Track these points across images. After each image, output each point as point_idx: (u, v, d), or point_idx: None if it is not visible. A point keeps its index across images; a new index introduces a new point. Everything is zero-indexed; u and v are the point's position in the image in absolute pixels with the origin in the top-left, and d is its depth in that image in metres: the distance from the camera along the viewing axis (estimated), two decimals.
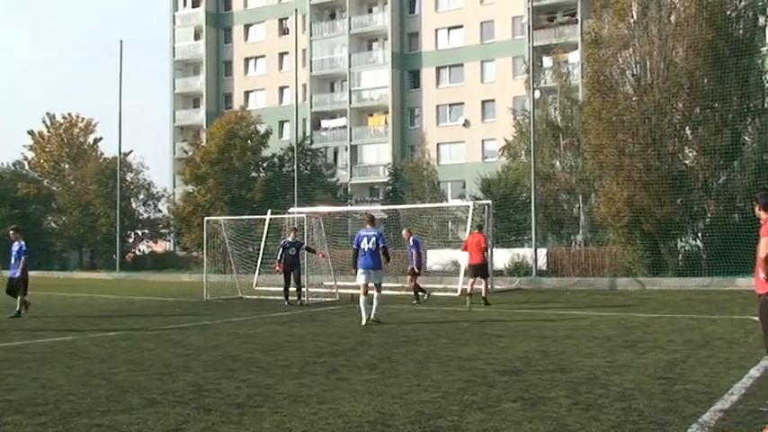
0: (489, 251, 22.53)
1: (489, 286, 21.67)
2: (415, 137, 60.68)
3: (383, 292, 16.47)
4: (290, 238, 22.27)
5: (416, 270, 22.33)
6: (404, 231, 24.92)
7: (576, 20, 55.72)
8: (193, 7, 73.69)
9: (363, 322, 15.38)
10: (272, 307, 20.92)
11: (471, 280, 20.46)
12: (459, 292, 24.54)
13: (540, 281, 28.58)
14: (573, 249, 34.21)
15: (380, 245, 15.82)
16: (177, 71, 74.36)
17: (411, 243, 23.08)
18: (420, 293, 21.75)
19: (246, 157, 50.81)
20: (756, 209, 7.63)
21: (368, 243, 15.80)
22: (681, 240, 29.52)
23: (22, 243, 17.99)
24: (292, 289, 21.59)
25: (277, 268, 22.14)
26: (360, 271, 15.88)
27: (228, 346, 12.55)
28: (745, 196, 27.63)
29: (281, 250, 21.94)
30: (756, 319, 14.83)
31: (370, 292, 15.77)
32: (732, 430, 6.27)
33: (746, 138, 28.80)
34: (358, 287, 16.22)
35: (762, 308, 7.28)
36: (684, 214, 28.16)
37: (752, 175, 27.47)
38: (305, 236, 24.48)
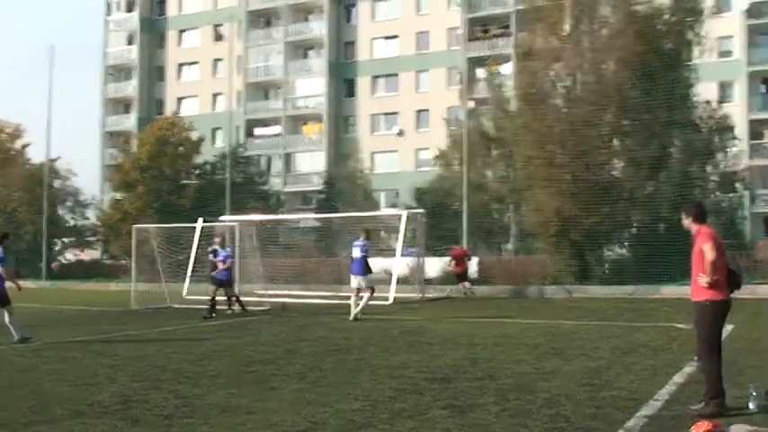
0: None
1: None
2: (350, 145, 60.77)
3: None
4: (217, 247, 22.03)
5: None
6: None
7: (510, 32, 56.42)
8: (127, 12, 72.57)
9: (351, 318, 18.33)
10: (202, 316, 20.65)
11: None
12: (390, 301, 24.63)
13: (471, 289, 28.79)
14: (503, 258, 34.57)
15: (361, 254, 18.99)
16: (109, 76, 73.08)
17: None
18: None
19: (178, 164, 50.13)
20: (685, 220, 7.87)
21: (355, 252, 19.16)
22: (607, 249, 30.09)
23: None
24: (223, 298, 21.34)
25: (221, 266, 21.66)
26: (351, 276, 19.15)
27: (156, 356, 12.36)
28: (670, 207, 28.31)
29: (211, 255, 21.75)
30: (680, 326, 15.26)
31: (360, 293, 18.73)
32: None
33: (672, 149, 29.51)
34: None
35: (699, 313, 7.58)
36: (611, 224, 28.69)
37: (677, 187, 28.16)
38: (236, 244, 24.30)
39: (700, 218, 7.85)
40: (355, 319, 18.31)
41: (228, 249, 21.62)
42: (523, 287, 28.48)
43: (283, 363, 11.26)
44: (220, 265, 20.72)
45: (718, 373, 7.43)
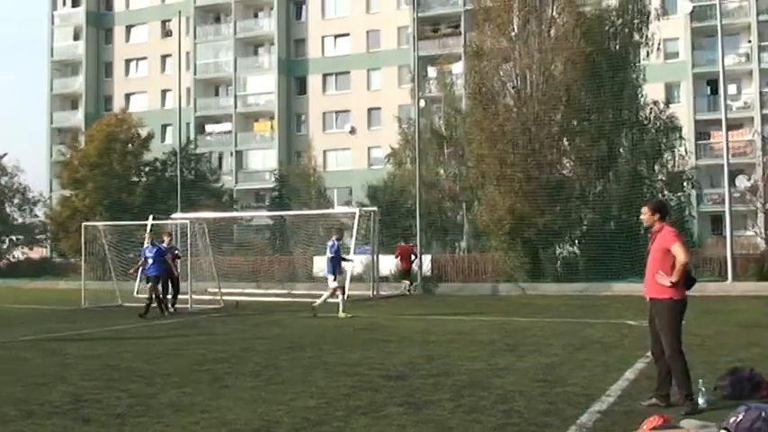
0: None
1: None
2: (302, 143, 60.52)
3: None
4: (164, 244, 21.81)
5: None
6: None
7: (460, 32, 56.70)
8: (73, 6, 71.34)
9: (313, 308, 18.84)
10: (154, 315, 20.44)
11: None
12: (345, 297, 24.58)
13: (425, 287, 28.92)
14: (457, 256, 34.76)
15: (330, 254, 19.18)
16: (55, 71, 71.82)
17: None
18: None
19: (127, 160, 49.45)
20: (646, 215, 7.83)
21: (327, 252, 19.45)
22: (559, 247, 30.42)
23: None
24: (181, 296, 21.21)
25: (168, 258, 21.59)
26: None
27: (108, 355, 12.21)
28: (620, 206, 28.74)
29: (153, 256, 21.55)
30: (632, 323, 15.50)
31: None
32: (609, 431, 6.50)
33: (621, 149, 29.93)
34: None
35: (662, 311, 7.65)
36: (563, 222, 29.02)
37: (626, 185, 28.60)
38: (188, 242, 24.07)
39: (663, 215, 7.87)
40: (314, 313, 18.66)
41: (153, 247, 20.84)
42: (477, 284, 28.67)
43: (237, 361, 11.20)
44: (149, 263, 20.38)
45: (687, 370, 7.57)
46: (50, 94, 71.50)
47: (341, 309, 18.67)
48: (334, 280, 19.13)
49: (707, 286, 25.37)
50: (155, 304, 19.99)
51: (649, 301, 7.83)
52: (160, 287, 20.55)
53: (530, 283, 28.11)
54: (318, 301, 19.21)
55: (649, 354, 10.95)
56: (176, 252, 22.47)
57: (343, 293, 19.53)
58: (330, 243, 19.60)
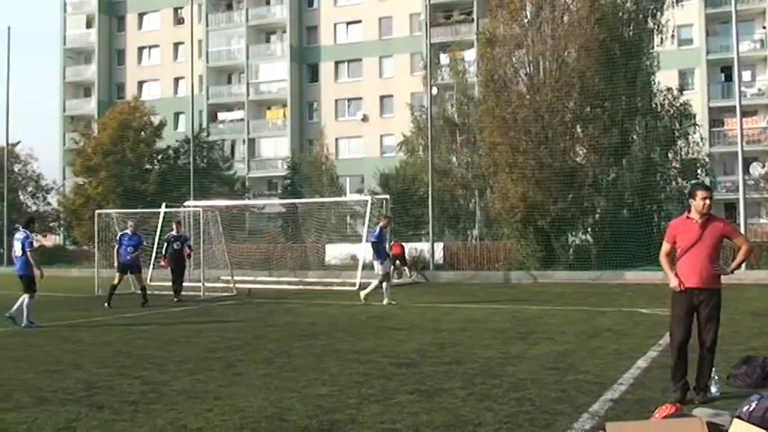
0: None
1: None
2: (314, 131, 60.47)
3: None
4: (173, 232, 21.91)
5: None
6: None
7: (473, 18, 56.50)
8: None
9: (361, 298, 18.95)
10: (167, 302, 20.55)
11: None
12: (357, 286, 24.65)
13: (437, 275, 28.94)
14: (469, 243, 34.75)
15: (371, 240, 19.42)
16: (68, 59, 71.95)
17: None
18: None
19: (140, 148, 49.59)
20: (709, 201, 7.45)
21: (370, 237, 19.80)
22: (572, 235, 30.37)
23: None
24: (194, 284, 21.28)
25: (162, 263, 21.89)
26: None
27: (121, 342, 12.27)
28: (632, 192, 28.63)
29: (165, 245, 21.64)
30: (644, 311, 15.47)
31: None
32: (621, 419, 6.49)
33: (634, 136, 29.78)
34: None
35: (715, 300, 7.51)
36: (576, 210, 28.95)
37: (639, 173, 28.48)
38: (201, 230, 24.14)
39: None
40: (364, 301, 18.75)
41: (134, 236, 20.04)
42: (489, 273, 28.67)
43: (250, 348, 11.23)
44: (122, 251, 19.62)
45: None
46: (63, 82, 71.65)
47: (385, 296, 18.74)
48: (381, 265, 19.07)
49: None
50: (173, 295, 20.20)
51: (691, 292, 7.44)
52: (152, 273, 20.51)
53: (542, 271, 28.09)
54: (367, 289, 19.19)
55: (661, 342, 11.00)
56: (188, 243, 22.49)
57: (388, 280, 19.32)
58: (376, 229, 19.64)
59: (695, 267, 7.40)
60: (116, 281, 19.68)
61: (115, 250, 20.28)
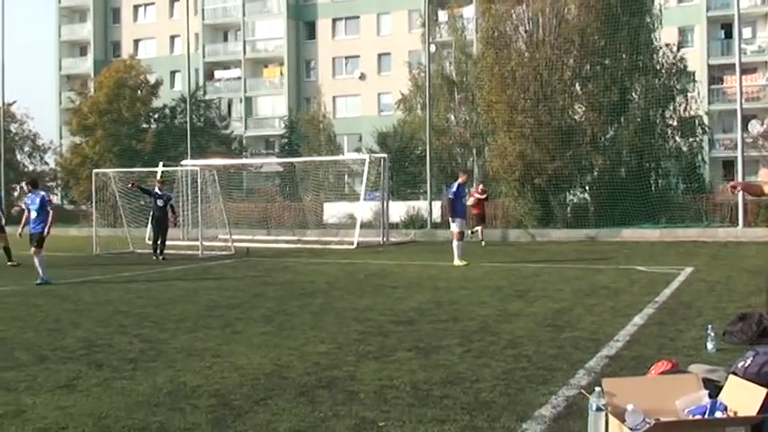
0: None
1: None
2: (311, 89, 60.21)
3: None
4: (157, 191, 21.93)
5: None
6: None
7: None
8: None
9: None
10: (165, 261, 20.61)
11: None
12: (355, 245, 24.73)
13: (435, 233, 28.98)
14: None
15: (449, 197, 18.71)
16: (63, 18, 71.37)
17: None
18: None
19: (136, 107, 49.43)
20: None
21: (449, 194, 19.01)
22: (570, 193, 30.35)
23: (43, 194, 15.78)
24: (192, 242, 21.32)
25: (172, 220, 21.90)
26: None
27: (120, 301, 12.32)
28: (630, 151, 28.56)
29: (152, 200, 21.73)
30: (641, 268, 15.52)
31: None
32: (617, 375, 6.54)
33: (634, 94, 29.62)
34: None
35: None
36: (573, 168, 28.90)
37: (638, 131, 28.37)
38: (198, 189, 24.13)
39: None
40: (465, 264, 17.47)
41: (35, 195, 15.77)
42: (487, 231, 28.67)
43: (248, 307, 11.28)
44: (33, 215, 15.83)
45: None
46: (59, 41, 71.13)
47: (456, 255, 17.84)
48: (455, 222, 18.19)
49: (717, 232, 25.38)
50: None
51: None
52: (149, 232, 20.43)
53: (539, 229, 28.13)
54: (455, 254, 17.89)
55: (658, 300, 11.06)
56: (171, 204, 22.41)
57: (462, 239, 18.27)
58: (453, 185, 18.97)
59: None
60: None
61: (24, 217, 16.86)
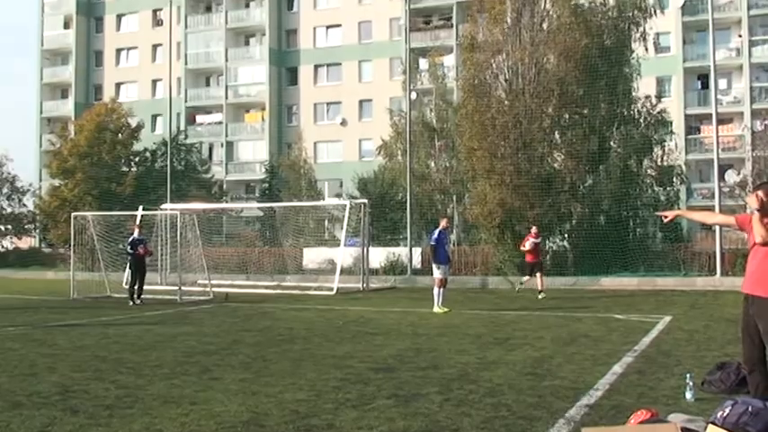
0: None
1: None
2: (293, 134, 60.39)
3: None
4: (136, 235, 21.92)
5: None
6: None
7: (452, 24, 56.73)
8: None
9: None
10: (143, 306, 20.44)
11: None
12: (334, 291, 24.65)
13: (415, 279, 28.96)
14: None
15: (431, 243, 18.65)
16: (45, 60, 71.47)
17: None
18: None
19: (117, 150, 49.35)
20: (760, 199, 6.68)
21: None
22: (549, 241, 30.47)
23: None
24: (170, 287, 21.17)
25: (141, 251, 21.70)
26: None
27: (96, 346, 12.19)
28: (609, 199, 28.79)
29: (129, 247, 21.63)
30: (620, 317, 15.56)
31: None
32: (596, 424, 6.52)
33: (612, 143, 29.95)
34: None
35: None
36: (553, 216, 29.06)
37: (616, 180, 28.63)
38: (178, 233, 24.05)
39: None
40: (446, 311, 17.45)
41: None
42: (467, 278, 28.70)
43: (226, 353, 11.19)
44: None
45: None
46: (40, 83, 71.17)
47: (436, 302, 17.84)
48: (438, 270, 18.18)
49: (695, 281, 25.55)
50: None
51: (747, 301, 6.91)
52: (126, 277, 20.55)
53: (519, 276, 28.15)
54: (435, 301, 17.92)
55: (636, 348, 11.08)
56: (148, 247, 22.54)
57: (443, 286, 18.12)
58: (435, 231, 18.66)
59: (754, 272, 6.86)
60: None
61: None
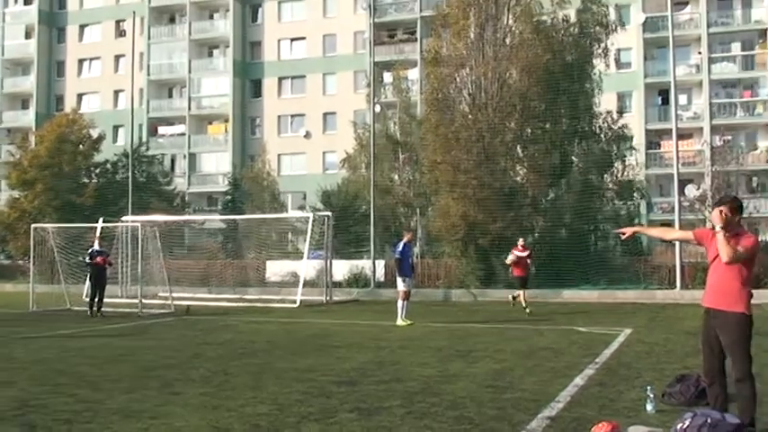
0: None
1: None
2: (256, 146, 60.16)
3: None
4: (96, 246, 21.75)
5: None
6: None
7: (416, 38, 56.97)
8: (25, 5, 70.14)
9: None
10: (103, 319, 20.21)
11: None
12: (297, 304, 24.56)
13: (379, 292, 28.96)
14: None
15: (396, 256, 18.72)
16: (6, 70, 70.56)
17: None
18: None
19: (78, 161, 48.82)
20: (724, 216, 6.61)
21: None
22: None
23: None
24: (131, 300, 21.00)
25: (100, 260, 21.53)
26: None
27: (55, 359, 12.01)
28: (572, 213, 29.07)
29: (88, 258, 21.47)
30: (581, 329, 15.68)
31: None
32: None
33: (574, 158, 30.25)
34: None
35: (737, 326, 6.63)
36: (515, 229, 29.22)
37: (577, 194, 28.92)
38: (139, 245, 23.82)
39: (741, 216, 6.77)
40: (409, 324, 17.40)
41: None
42: (430, 290, 28.75)
43: (187, 367, 11.09)
44: None
45: (755, 395, 6.67)
46: (1, 93, 70.23)
47: (399, 315, 17.75)
48: (403, 282, 18.06)
49: (655, 294, 25.86)
50: None
51: (708, 314, 6.87)
52: (86, 289, 20.47)
53: (481, 289, 28.28)
54: (398, 314, 17.79)
55: (598, 360, 11.17)
56: (108, 258, 22.49)
57: (407, 299, 18.04)
58: (399, 244, 18.53)
59: (714, 285, 6.86)
60: None
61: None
